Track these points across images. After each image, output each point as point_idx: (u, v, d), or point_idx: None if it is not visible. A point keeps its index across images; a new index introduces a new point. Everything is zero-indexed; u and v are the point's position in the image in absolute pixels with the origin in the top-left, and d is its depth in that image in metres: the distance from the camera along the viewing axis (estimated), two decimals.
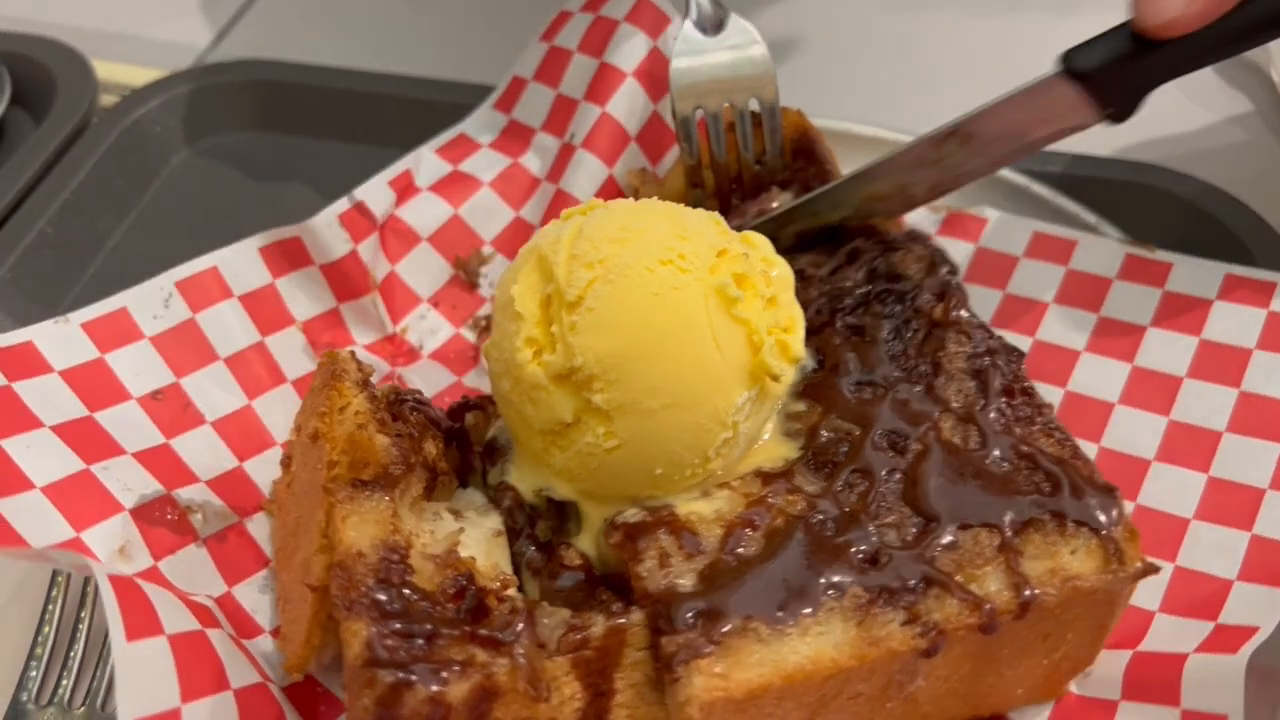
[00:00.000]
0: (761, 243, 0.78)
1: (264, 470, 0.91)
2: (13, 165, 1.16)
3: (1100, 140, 1.08)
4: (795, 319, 0.77)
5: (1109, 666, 0.79)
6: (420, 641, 0.66)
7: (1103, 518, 0.73)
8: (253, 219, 1.11)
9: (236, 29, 1.44)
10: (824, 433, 0.78)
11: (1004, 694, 0.77)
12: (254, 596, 0.84)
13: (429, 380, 1.00)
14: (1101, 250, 0.99)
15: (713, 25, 0.96)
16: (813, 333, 0.82)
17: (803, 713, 0.70)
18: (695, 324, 0.72)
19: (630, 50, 1.07)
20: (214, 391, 0.92)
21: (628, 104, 1.06)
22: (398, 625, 0.66)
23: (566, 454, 0.75)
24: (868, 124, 1.09)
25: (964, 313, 0.84)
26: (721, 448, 0.74)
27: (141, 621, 0.70)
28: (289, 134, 1.25)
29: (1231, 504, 0.84)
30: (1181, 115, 1.22)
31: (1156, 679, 0.76)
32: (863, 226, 0.92)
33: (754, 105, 0.96)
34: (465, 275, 1.06)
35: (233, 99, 1.26)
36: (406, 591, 0.69)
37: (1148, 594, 0.80)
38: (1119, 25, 0.83)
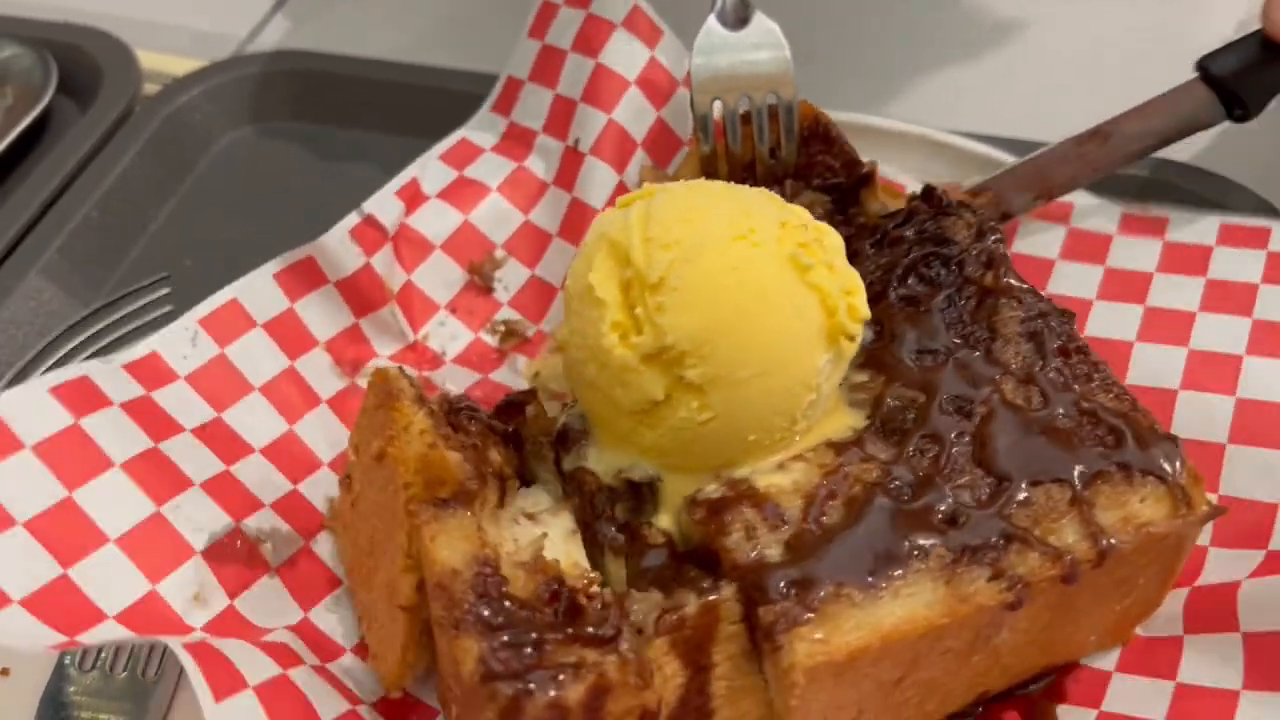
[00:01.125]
0: (804, 213, 0.80)
1: (317, 490, 0.92)
2: (60, 151, 1.20)
3: None
4: (855, 281, 0.79)
5: (1169, 605, 0.82)
6: (530, 650, 0.67)
7: (1167, 466, 0.76)
8: (291, 206, 1.15)
9: (276, 19, 1.47)
10: (890, 401, 0.79)
11: (1078, 641, 0.80)
12: (330, 617, 0.85)
13: (457, 384, 1.02)
14: (1098, 210, 1.03)
15: (736, 21, 0.98)
16: (869, 303, 0.83)
17: (898, 671, 0.72)
18: (775, 294, 0.75)
19: (629, 57, 1.09)
20: (255, 421, 0.93)
21: (633, 112, 1.08)
22: (506, 637, 0.68)
23: (658, 431, 0.76)
24: (884, 117, 1.12)
25: (1012, 280, 0.86)
26: (807, 409, 0.76)
27: (225, 680, 0.71)
28: (327, 123, 1.27)
29: (1263, 424, 0.87)
30: None
31: (1215, 609, 0.79)
32: (924, 188, 0.94)
33: (771, 99, 0.98)
34: (480, 280, 1.07)
35: (272, 88, 1.29)
36: (506, 603, 0.70)
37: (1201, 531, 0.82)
38: (1251, 33, 0.93)
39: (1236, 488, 0.85)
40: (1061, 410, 0.78)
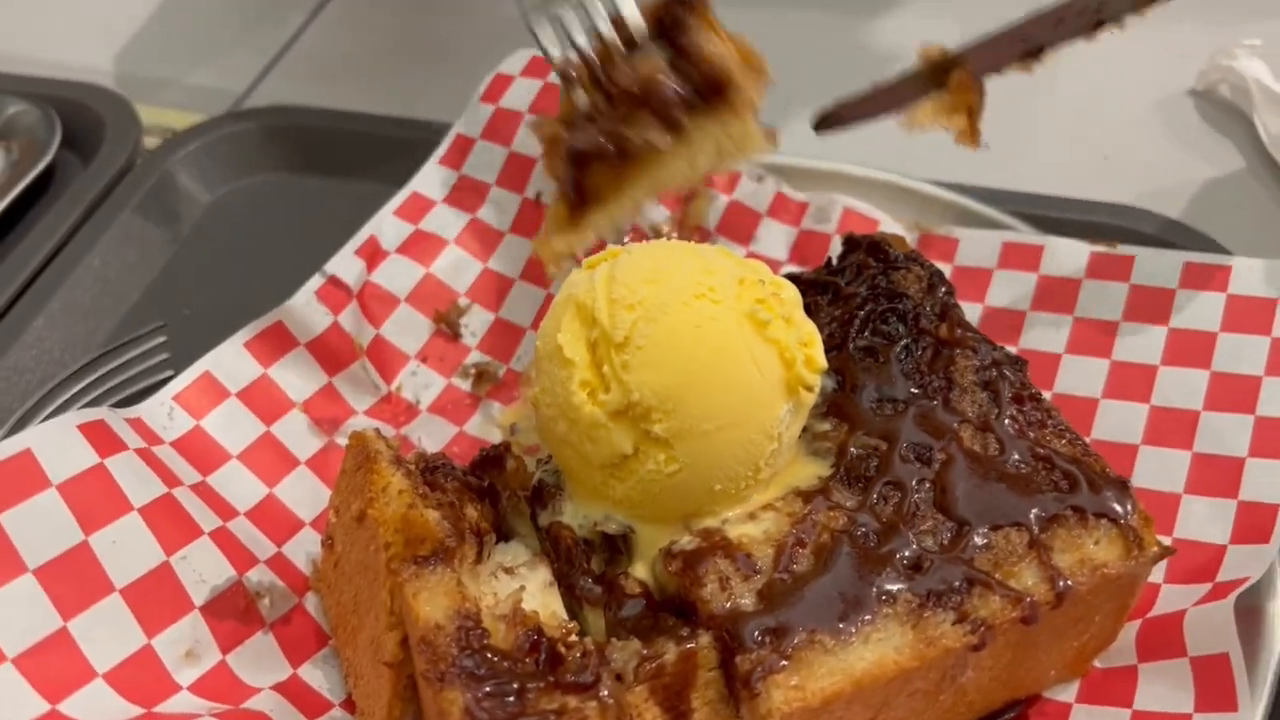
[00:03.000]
0: (763, 268, 0.84)
1: (299, 551, 0.94)
2: (63, 204, 1.24)
3: (1086, 185, 1.19)
4: (812, 333, 0.82)
5: (1123, 637, 0.85)
6: (513, 699, 0.70)
7: (1119, 508, 0.80)
8: (286, 255, 1.18)
9: (270, 75, 1.52)
10: (853, 450, 0.83)
11: (1039, 676, 0.84)
12: (318, 674, 0.88)
13: (433, 434, 1.05)
14: (1067, 251, 1.06)
15: None
16: (828, 354, 0.86)
17: (869, 713, 0.75)
18: (735, 349, 0.78)
19: None
20: (237, 487, 0.95)
21: None
22: (489, 687, 0.70)
23: (627, 484, 0.79)
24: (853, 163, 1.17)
25: (966, 330, 0.90)
26: (770, 458, 0.79)
27: None
28: (317, 174, 1.32)
29: (1217, 476, 0.91)
30: (1167, 159, 1.31)
31: (1164, 638, 0.83)
32: (868, 242, 0.96)
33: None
34: (447, 327, 1.11)
35: (264, 142, 1.33)
36: (489, 654, 0.72)
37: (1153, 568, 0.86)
38: None
39: (1189, 531, 0.89)
40: (1017, 456, 0.82)
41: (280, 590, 0.89)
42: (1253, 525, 0.87)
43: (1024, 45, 0.97)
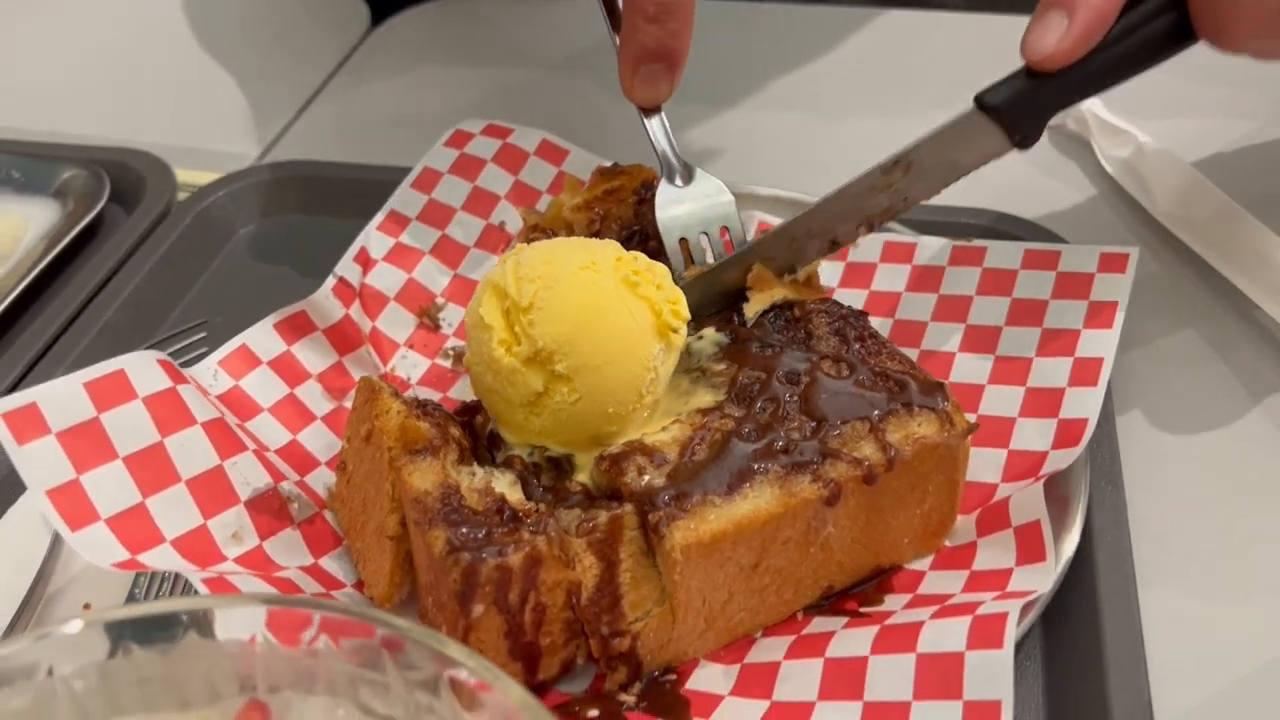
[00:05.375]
0: (641, 256, 1.06)
1: (318, 482, 1.17)
2: (111, 245, 1.48)
3: (958, 199, 1.32)
4: (678, 294, 1.04)
5: (966, 523, 1.08)
6: (482, 535, 0.92)
7: (936, 400, 1.04)
8: (294, 277, 1.43)
9: (281, 142, 1.80)
10: (741, 380, 1.06)
11: (895, 545, 1.06)
12: (334, 565, 1.09)
13: (424, 398, 1.23)
14: (934, 246, 1.32)
15: (684, 179, 1.25)
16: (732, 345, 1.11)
17: (752, 556, 0.97)
18: (614, 303, 1.00)
19: (543, 175, 1.43)
20: (268, 432, 1.19)
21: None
22: (464, 529, 0.93)
23: (542, 417, 1.01)
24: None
25: (821, 294, 1.15)
26: (649, 385, 1.02)
27: None
28: (324, 217, 1.55)
29: (1043, 402, 1.14)
30: (1025, 179, 1.56)
31: (995, 518, 1.06)
32: None
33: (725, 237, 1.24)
34: (428, 320, 1.35)
35: (279, 190, 1.58)
36: (465, 510, 0.95)
37: (992, 472, 1.11)
38: (1020, 68, 1.03)
39: (1022, 444, 1.12)
40: (862, 375, 1.06)
41: (305, 500, 1.12)
42: (1068, 435, 1.10)
43: (780, 260, 1.17)
